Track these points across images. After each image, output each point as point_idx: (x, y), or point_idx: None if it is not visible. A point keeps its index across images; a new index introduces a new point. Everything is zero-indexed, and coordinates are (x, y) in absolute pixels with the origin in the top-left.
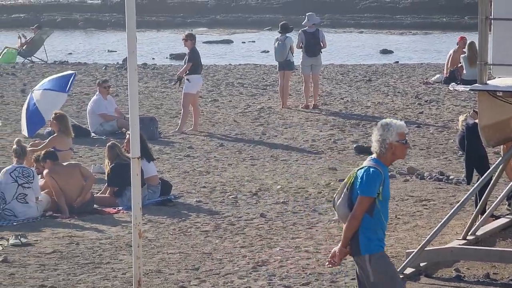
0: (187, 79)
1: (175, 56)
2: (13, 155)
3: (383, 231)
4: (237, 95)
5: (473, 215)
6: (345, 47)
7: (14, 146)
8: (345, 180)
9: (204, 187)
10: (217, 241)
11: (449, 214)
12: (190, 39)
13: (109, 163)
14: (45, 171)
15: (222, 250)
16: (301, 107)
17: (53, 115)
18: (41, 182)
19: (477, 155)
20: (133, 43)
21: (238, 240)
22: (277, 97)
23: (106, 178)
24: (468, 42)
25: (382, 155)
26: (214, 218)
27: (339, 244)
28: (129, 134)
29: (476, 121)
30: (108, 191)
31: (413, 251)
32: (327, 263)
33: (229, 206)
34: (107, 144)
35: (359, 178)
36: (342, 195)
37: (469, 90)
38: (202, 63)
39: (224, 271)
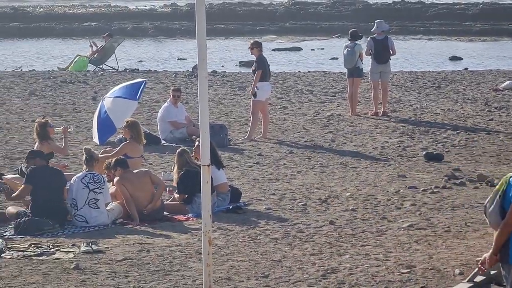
0: (256, 87)
1: (244, 64)
2: (83, 163)
3: None
4: (306, 102)
5: None
6: (414, 54)
7: (83, 155)
8: (497, 187)
9: (274, 194)
10: (286, 248)
11: None
12: (255, 46)
13: (178, 170)
14: (115, 179)
15: (292, 257)
16: (370, 114)
17: (125, 122)
18: (111, 189)
19: None
20: (204, 51)
21: (307, 248)
22: (346, 104)
23: (175, 184)
24: None
25: None
26: (284, 226)
27: (490, 251)
28: (198, 141)
29: None
30: (178, 197)
31: None
32: (477, 269)
33: (299, 213)
34: (177, 151)
35: None
36: (494, 203)
37: None
38: (271, 71)
39: (294, 278)
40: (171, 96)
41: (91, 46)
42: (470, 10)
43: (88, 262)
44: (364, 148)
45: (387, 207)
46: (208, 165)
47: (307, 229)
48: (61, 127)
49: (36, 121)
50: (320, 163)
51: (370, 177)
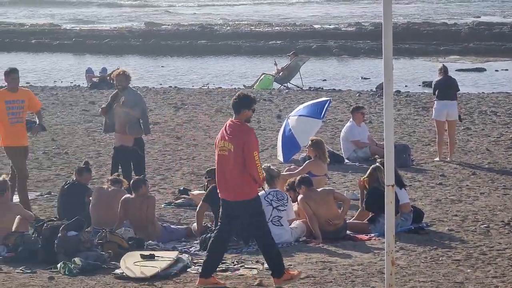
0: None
1: (428, 84)
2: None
3: None
4: (490, 123)
5: None
6: None
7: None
8: None
9: (456, 215)
10: (469, 270)
11: None
12: (438, 71)
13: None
14: (299, 197)
15: (474, 280)
16: None
17: (310, 141)
18: (295, 207)
19: None
20: (390, 71)
21: (490, 270)
22: None
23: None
24: None
25: None
26: (466, 247)
27: None
28: (381, 161)
29: None
30: (358, 212)
31: None
32: None
33: (481, 235)
34: (372, 166)
35: None
36: None
37: None
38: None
39: None
40: (355, 115)
41: (275, 64)
42: None
43: (271, 279)
44: None
45: None
46: (392, 185)
47: (490, 251)
48: None
49: None
50: (504, 185)
51: None
